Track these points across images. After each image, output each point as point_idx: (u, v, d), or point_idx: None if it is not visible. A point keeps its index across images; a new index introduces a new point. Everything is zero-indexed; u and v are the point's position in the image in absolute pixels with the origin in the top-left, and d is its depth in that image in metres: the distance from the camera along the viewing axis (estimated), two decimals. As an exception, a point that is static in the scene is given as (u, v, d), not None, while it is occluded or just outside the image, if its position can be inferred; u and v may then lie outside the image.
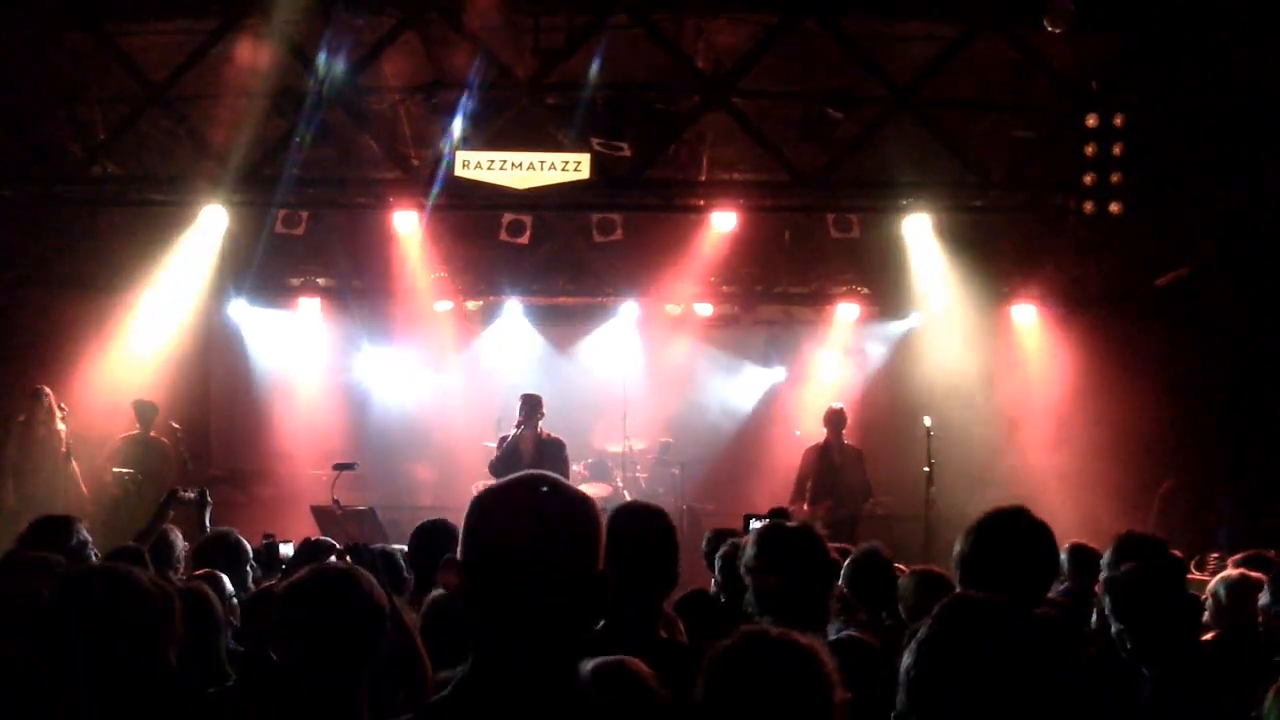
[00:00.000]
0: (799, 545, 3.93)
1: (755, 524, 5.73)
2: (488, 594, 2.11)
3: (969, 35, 9.61)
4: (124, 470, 11.99)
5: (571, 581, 2.14)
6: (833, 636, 4.00)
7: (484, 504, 2.18)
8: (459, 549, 2.16)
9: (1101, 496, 12.14)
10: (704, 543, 6.71)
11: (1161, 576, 4.50)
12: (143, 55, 10.11)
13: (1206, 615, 5.41)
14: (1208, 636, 5.15)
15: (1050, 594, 6.17)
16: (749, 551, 3.97)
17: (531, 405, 11.02)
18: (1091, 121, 9.83)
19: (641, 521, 3.64)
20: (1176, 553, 6.93)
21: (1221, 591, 5.46)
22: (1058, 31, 8.91)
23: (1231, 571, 5.74)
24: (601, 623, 3.49)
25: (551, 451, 11.00)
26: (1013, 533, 3.73)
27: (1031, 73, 9.81)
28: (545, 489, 2.18)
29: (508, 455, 10.92)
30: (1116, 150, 9.86)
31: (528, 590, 2.10)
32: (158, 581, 3.09)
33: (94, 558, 5.25)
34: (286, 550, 6.38)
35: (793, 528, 4.08)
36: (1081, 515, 11.58)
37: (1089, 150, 9.89)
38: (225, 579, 5.29)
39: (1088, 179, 10.02)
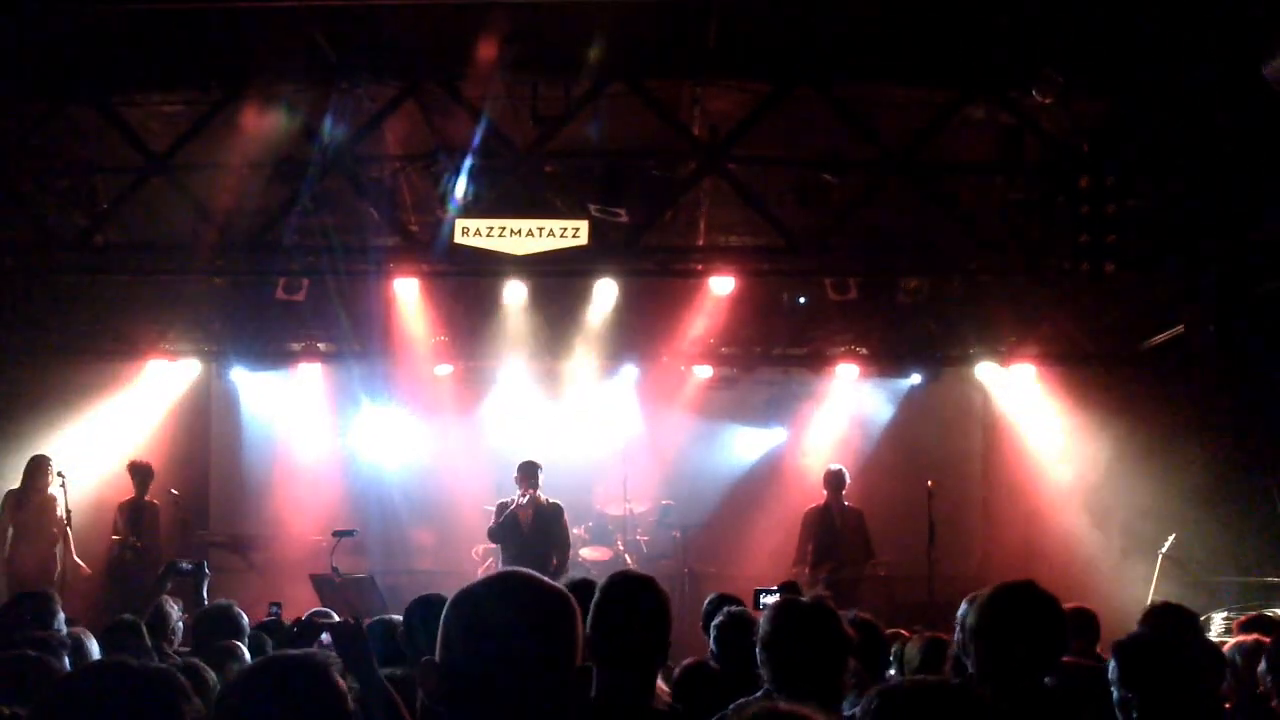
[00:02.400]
0: (814, 620, 3.95)
1: (765, 599, 5.71)
2: (465, 696, 2.11)
3: (961, 101, 9.72)
4: (125, 539, 11.98)
5: (548, 679, 2.13)
6: (848, 712, 3.99)
7: (460, 606, 2.19)
8: (437, 650, 2.18)
9: (1103, 554, 12.11)
10: (704, 609, 6.68)
11: (1177, 640, 4.47)
12: (144, 124, 10.22)
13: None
14: (1224, 707, 5.06)
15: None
16: (764, 627, 3.98)
17: (529, 472, 11.02)
18: (1084, 182, 9.91)
19: (633, 592, 3.65)
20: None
21: (1237, 658, 5.39)
22: (1047, 101, 9.01)
23: (1245, 637, 5.68)
24: (592, 692, 3.51)
25: (550, 517, 11.00)
26: (1022, 606, 3.77)
27: (1024, 135, 9.91)
28: (521, 588, 2.19)
29: (506, 523, 10.92)
30: (1109, 210, 9.93)
31: (505, 691, 2.10)
32: (170, 672, 3.02)
33: (67, 637, 5.23)
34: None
35: (807, 603, 4.09)
36: (1083, 574, 11.55)
37: (1083, 210, 9.96)
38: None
39: (1082, 238, 10.09)
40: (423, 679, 2.16)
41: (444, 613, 2.20)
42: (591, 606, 3.64)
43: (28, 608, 5.63)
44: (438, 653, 2.17)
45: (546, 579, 2.25)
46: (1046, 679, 3.87)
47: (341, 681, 2.93)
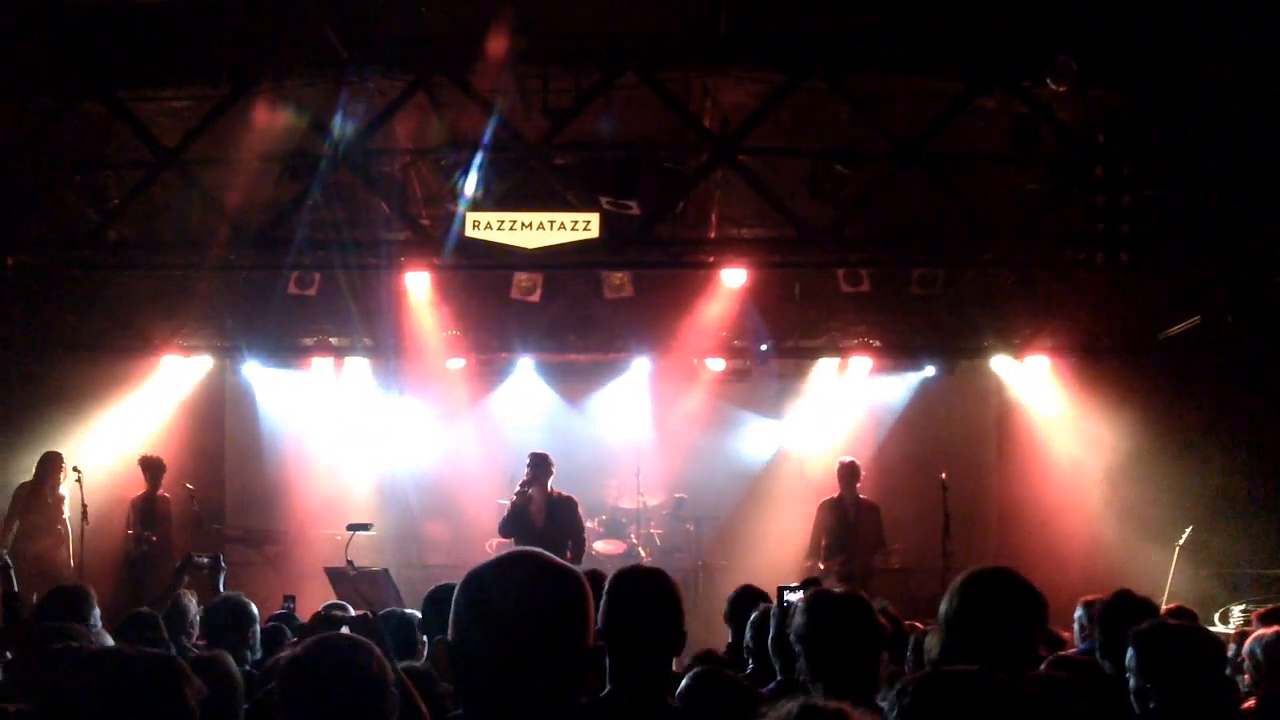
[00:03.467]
0: (849, 612, 3.94)
1: (789, 595, 5.73)
2: (475, 674, 2.12)
3: (974, 90, 9.66)
4: (140, 533, 12.03)
5: (557, 660, 2.13)
6: (881, 703, 3.97)
7: (470, 585, 2.19)
8: (449, 629, 2.18)
9: (1119, 547, 12.05)
10: (729, 600, 6.68)
11: (1195, 629, 4.42)
12: (155, 120, 10.22)
13: (1245, 677, 5.27)
14: (1249, 704, 4.98)
15: (1073, 650, 6.14)
16: (799, 619, 3.98)
17: (540, 464, 10.96)
18: (1099, 172, 9.84)
19: (642, 587, 3.62)
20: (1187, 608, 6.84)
21: (1259, 652, 5.32)
22: (1061, 89, 8.94)
23: (1265, 631, 5.60)
24: (603, 690, 3.49)
25: (562, 510, 10.92)
26: (996, 593, 3.71)
27: (1039, 126, 9.84)
28: (531, 568, 2.19)
29: (516, 516, 10.84)
30: (1125, 200, 9.87)
31: (514, 671, 2.10)
32: (169, 658, 3.05)
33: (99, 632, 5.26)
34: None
35: (841, 594, 4.08)
36: (1099, 566, 11.50)
37: (1098, 200, 9.90)
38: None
39: (1098, 229, 10.03)
40: (437, 657, 2.17)
41: (455, 592, 2.20)
42: (601, 601, 3.62)
43: (64, 603, 5.63)
44: (449, 632, 2.17)
45: (556, 558, 2.24)
46: (1045, 668, 3.83)
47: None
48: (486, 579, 2.18)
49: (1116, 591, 5.48)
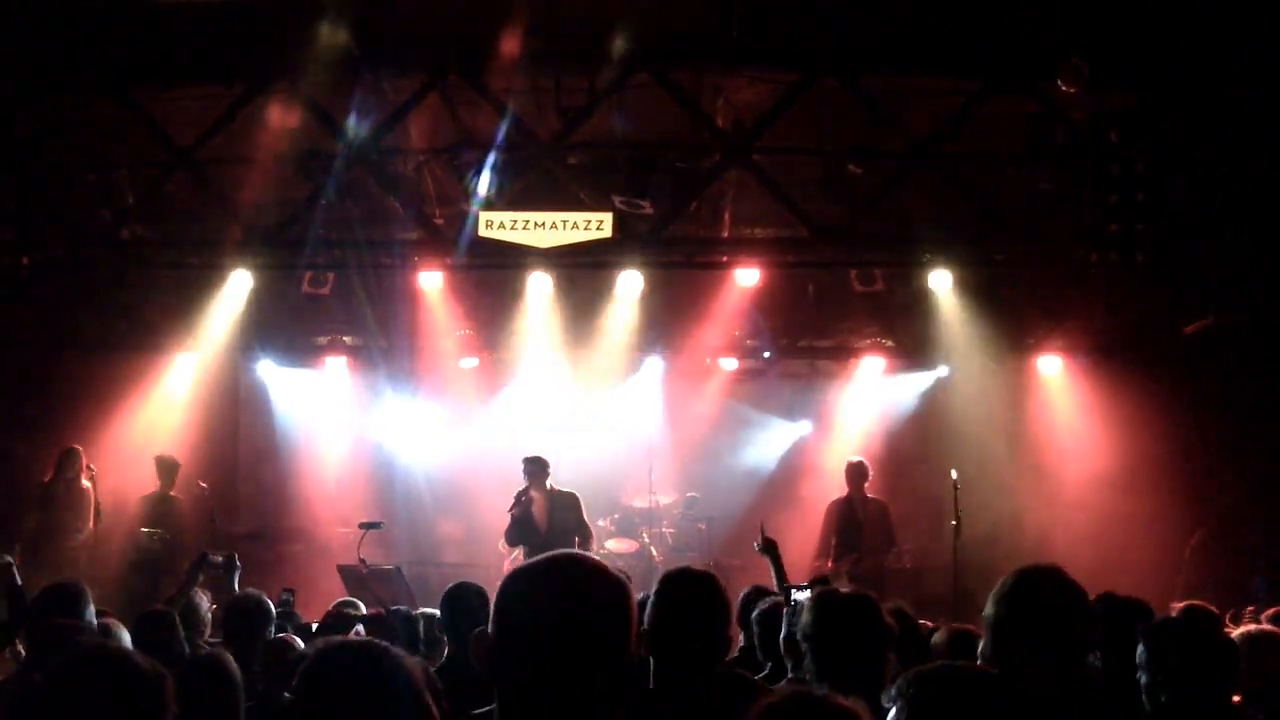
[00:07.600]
0: (856, 612, 3.94)
1: (796, 594, 5.75)
2: (517, 673, 2.13)
3: (987, 90, 9.65)
4: (151, 530, 12.05)
5: (602, 665, 2.13)
6: (888, 705, 3.97)
7: (516, 583, 2.19)
8: (490, 625, 2.18)
9: (1131, 548, 12.02)
10: (740, 601, 6.67)
11: (1207, 625, 4.43)
12: (170, 120, 10.27)
13: None
14: (1236, 699, 4.98)
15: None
16: (806, 618, 3.97)
17: (536, 466, 10.92)
18: (1114, 170, 9.83)
19: (692, 590, 3.64)
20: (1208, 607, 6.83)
21: (1245, 646, 5.31)
22: (1072, 91, 8.92)
23: (1251, 626, 5.60)
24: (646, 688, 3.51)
25: (564, 504, 10.86)
26: (1047, 594, 3.67)
27: (1052, 125, 9.83)
28: (580, 571, 2.19)
29: (520, 523, 10.79)
30: (1140, 199, 9.85)
31: (557, 674, 2.10)
32: (153, 664, 3.04)
33: (94, 628, 5.30)
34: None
35: (849, 594, 4.08)
36: (1111, 567, 11.46)
37: (1112, 200, 9.87)
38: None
39: (1112, 228, 10.01)
40: (476, 647, 2.17)
41: (499, 587, 2.21)
42: (650, 600, 3.65)
43: (57, 598, 5.68)
44: (490, 627, 2.18)
45: (602, 562, 2.24)
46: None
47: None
48: (534, 577, 2.19)
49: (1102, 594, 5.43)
